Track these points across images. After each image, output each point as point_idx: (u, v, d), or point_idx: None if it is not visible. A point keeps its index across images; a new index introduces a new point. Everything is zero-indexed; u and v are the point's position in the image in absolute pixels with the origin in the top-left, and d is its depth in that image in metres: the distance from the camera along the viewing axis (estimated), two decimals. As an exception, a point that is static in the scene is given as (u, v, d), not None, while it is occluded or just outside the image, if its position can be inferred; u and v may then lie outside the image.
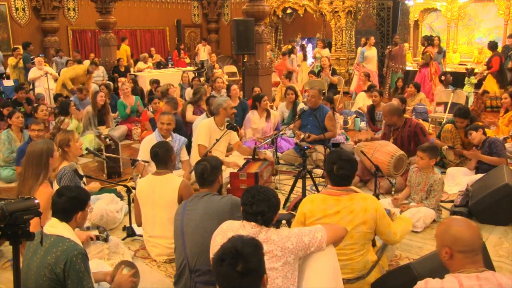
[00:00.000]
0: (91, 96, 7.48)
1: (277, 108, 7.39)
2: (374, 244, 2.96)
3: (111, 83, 9.55)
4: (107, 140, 5.70)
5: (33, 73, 9.15)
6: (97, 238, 3.17)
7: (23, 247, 2.43)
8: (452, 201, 4.34)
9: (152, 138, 4.58)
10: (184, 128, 5.75)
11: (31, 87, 9.20)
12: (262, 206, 2.27)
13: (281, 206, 4.14)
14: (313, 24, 14.31)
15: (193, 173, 3.45)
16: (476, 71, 9.63)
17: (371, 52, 10.46)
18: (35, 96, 8.37)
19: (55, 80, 9.35)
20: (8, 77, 10.36)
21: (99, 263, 2.94)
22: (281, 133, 5.59)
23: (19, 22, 12.61)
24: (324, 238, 2.30)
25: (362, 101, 8.11)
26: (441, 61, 10.25)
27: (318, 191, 4.42)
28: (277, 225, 3.27)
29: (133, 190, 3.71)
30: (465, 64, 10.90)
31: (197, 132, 5.03)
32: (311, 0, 12.33)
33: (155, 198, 3.37)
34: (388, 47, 10.68)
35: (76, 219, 2.44)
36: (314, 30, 14.76)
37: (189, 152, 4.95)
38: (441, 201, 4.25)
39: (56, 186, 3.47)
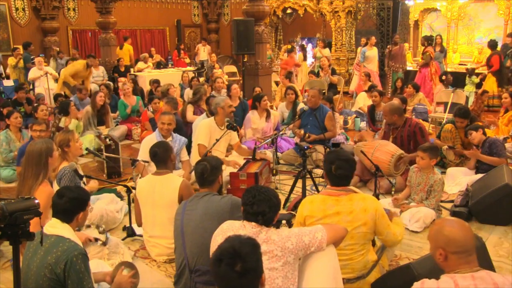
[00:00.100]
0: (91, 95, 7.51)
1: (277, 108, 7.39)
2: (374, 244, 2.96)
3: (111, 83, 9.55)
4: (107, 140, 5.70)
5: (33, 73, 9.15)
6: (96, 240, 3.16)
7: (23, 247, 2.43)
8: (452, 201, 4.34)
9: (152, 138, 4.57)
10: (184, 128, 5.75)
11: (31, 87, 9.20)
12: (262, 206, 2.27)
13: (281, 206, 4.14)
14: (313, 24, 14.29)
15: (193, 173, 3.45)
16: (477, 71, 9.63)
17: (372, 52, 10.45)
18: (35, 96, 8.36)
19: (55, 80, 9.35)
20: (8, 77, 10.35)
21: (99, 263, 2.94)
22: (281, 133, 5.59)
23: (19, 22, 12.60)
24: (324, 238, 2.30)
25: (363, 101, 8.10)
26: (443, 60, 10.25)
27: (318, 191, 4.42)
28: (277, 225, 3.27)
29: (133, 190, 3.71)
30: (465, 64, 10.89)
31: (197, 131, 5.03)
32: (311, 0, 12.33)
33: (155, 198, 3.37)
34: (388, 46, 10.67)
35: (77, 219, 2.45)
36: (314, 30, 14.74)
37: (189, 152, 4.95)
38: (441, 201, 4.25)
39: (56, 186, 3.46)
